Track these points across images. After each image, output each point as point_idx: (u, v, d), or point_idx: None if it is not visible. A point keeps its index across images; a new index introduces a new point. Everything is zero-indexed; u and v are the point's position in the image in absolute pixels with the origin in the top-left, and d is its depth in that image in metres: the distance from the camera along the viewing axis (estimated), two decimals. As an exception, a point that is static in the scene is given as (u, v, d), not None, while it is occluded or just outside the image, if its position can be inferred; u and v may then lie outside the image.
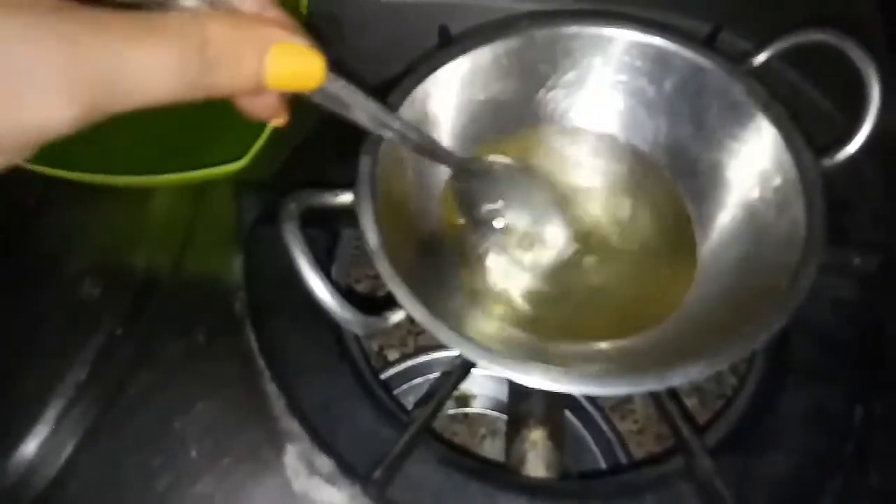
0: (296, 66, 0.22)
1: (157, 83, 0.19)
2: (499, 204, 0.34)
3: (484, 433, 0.46)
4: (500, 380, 0.45)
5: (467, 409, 0.46)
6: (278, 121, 0.26)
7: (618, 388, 0.26)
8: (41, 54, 0.17)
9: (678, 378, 0.25)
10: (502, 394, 0.45)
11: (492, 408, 0.46)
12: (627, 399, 0.46)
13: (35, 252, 0.39)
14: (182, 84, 0.19)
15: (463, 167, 0.33)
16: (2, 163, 0.19)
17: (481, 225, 0.34)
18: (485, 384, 0.46)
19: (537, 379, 0.26)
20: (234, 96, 0.23)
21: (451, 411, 0.46)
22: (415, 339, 0.48)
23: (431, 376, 0.46)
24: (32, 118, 0.18)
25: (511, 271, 0.34)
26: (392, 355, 0.47)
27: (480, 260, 0.34)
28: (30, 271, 0.37)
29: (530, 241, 0.34)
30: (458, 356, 0.35)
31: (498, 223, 0.34)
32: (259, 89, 0.21)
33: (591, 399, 0.43)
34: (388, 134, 0.28)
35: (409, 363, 0.46)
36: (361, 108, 0.27)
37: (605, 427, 0.43)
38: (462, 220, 0.35)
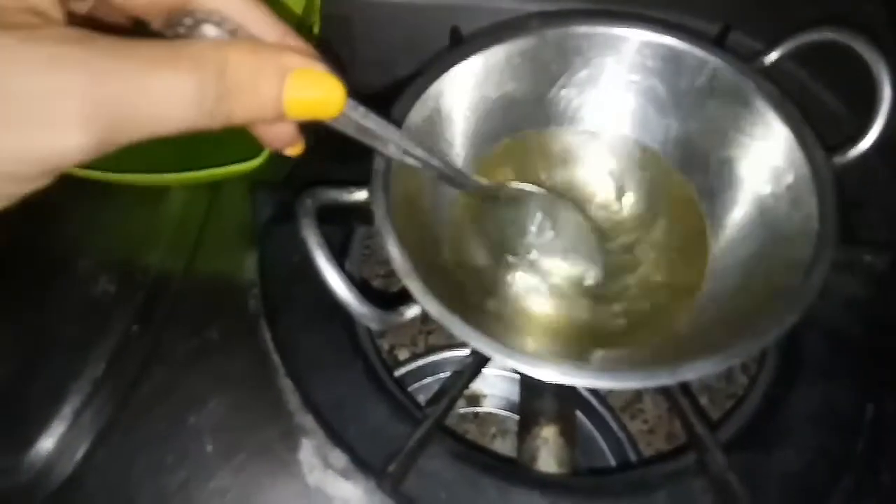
0: (315, 93, 0.21)
1: (174, 111, 0.19)
2: (527, 230, 0.34)
3: (494, 432, 0.46)
4: (511, 379, 0.45)
5: (478, 409, 0.47)
6: (294, 150, 0.26)
7: (631, 381, 0.26)
8: (63, 84, 0.17)
9: (691, 373, 0.25)
10: (513, 393, 0.45)
11: (503, 407, 0.46)
12: (637, 399, 0.46)
13: (51, 250, 0.39)
14: (200, 112, 0.19)
15: (488, 194, 0.34)
16: (15, 192, 0.19)
17: (506, 248, 0.34)
18: (496, 384, 0.46)
19: (550, 373, 0.26)
20: (251, 124, 0.23)
21: (462, 410, 0.46)
22: (425, 338, 0.49)
23: (442, 375, 0.46)
24: (48, 147, 0.18)
25: (530, 284, 0.34)
26: (402, 354, 0.47)
27: (500, 273, 0.35)
28: (46, 269, 0.38)
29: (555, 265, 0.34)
30: (469, 355, 0.36)
31: (524, 248, 0.34)
32: (278, 117, 0.21)
33: (602, 399, 0.44)
34: (409, 161, 0.28)
35: (420, 362, 0.46)
36: (383, 136, 0.26)
37: (615, 426, 0.43)
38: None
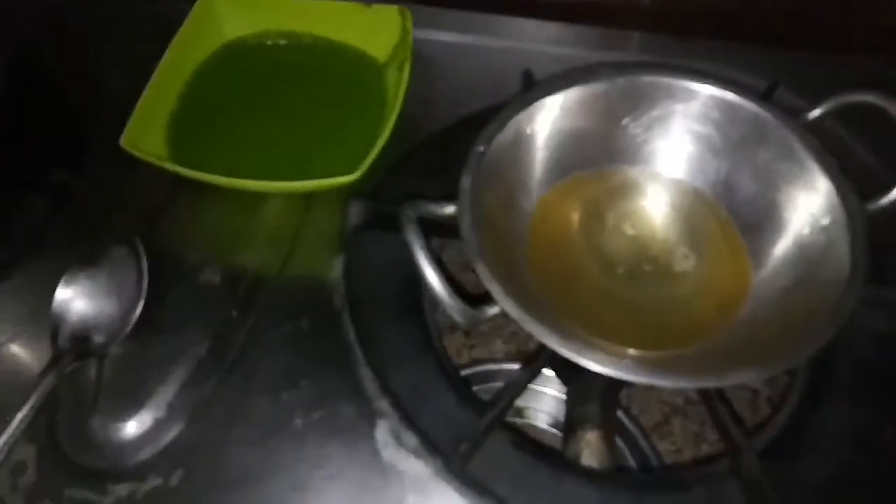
0: None
1: None
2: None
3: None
4: (554, 398, 0.48)
5: (522, 420, 0.50)
6: None
7: (683, 381, 0.30)
8: None
9: (736, 378, 0.29)
10: (554, 409, 0.48)
11: (545, 422, 0.49)
12: (666, 421, 0.49)
13: (162, 242, 0.44)
14: None
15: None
16: None
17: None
18: (540, 399, 0.48)
19: (609, 368, 0.30)
20: None
21: (509, 420, 0.49)
22: (469, 351, 0.52)
23: (485, 386, 0.49)
24: None
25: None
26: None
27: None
28: (157, 258, 0.42)
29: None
30: (518, 369, 0.40)
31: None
32: None
33: (633, 417, 0.47)
34: None
35: (468, 371, 0.48)
36: None
37: (644, 445, 0.45)
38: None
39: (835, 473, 0.35)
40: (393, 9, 0.50)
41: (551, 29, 0.56)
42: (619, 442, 0.47)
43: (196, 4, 0.51)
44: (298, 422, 0.37)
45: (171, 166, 0.43)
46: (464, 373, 0.49)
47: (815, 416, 0.37)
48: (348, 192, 0.44)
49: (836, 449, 0.36)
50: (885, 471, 0.35)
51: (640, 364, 0.29)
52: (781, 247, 0.37)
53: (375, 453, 0.36)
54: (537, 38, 0.55)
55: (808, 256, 0.35)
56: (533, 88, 0.40)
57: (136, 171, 0.44)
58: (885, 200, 0.36)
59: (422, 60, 0.50)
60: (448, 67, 0.53)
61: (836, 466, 0.35)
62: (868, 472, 0.35)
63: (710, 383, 0.29)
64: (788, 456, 0.36)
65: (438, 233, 0.44)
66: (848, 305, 0.32)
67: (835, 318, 0.31)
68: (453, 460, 0.35)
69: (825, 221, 0.35)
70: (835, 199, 0.35)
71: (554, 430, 0.47)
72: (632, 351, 0.35)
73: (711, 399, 0.35)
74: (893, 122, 0.37)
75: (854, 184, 0.36)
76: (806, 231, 0.36)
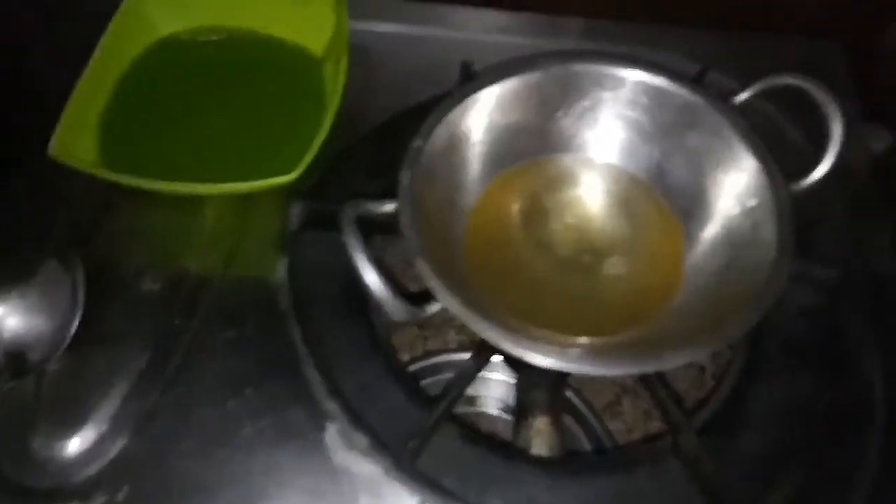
0: None
1: None
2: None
3: (491, 431, 0.49)
4: (505, 383, 0.48)
5: (475, 409, 0.49)
6: None
7: (621, 368, 0.31)
8: None
9: (673, 360, 0.30)
10: (507, 396, 0.48)
11: (498, 409, 0.49)
12: (617, 401, 0.50)
13: (99, 251, 0.42)
14: None
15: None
16: None
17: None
18: (491, 387, 0.49)
19: (556, 361, 0.30)
20: None
21: (461, 410, 0.49)
22: (424, 343, 0.52)
23: (439, 377, 0.49)
24: None
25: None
26: (402, 357, 0.50)
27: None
28: (95, 267, 0.41)
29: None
30: (469, 358, 0.40)
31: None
32: None
33: (585, 400, 0.48)
34: None
35: (419, 365, 0.49)
36: None
37: (596, 426, 0.46)
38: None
39: (770, 446, 0.37)
40: (328, 0, 0.49)
41: (491, 17, 0.56)
42: (574, 424, 0.48)
43: (125, 1, 0.49)
44: (247, 430, 0.37)
45: (103, 173, 0.42)
46: (417, 366, 0.49)
47: (750, 390, 0.38)
48: (290, 192, 0.43)
49: (770, 422, 0.37)
50: (818, 441, 0.37)
51: (577, 354, 0.30)
52: (712, 229, 0.38)
53: (326, 457, 0.36)
54: (478, 27, 0.55)
55: (737, 238, 0.37)
56: (469, 81, 0.40)
57: (69, 178, 0.42)
58: (809, 180, 0.37)
59: (361, 53, 0.49)
60: (389, 59, 0.52)
61: (771, 439, 0.37)
62: (800, 443, 0.37)
63: (645, 368, 0.30)
64: (727, 431, 0.37)
65: (382, 230, 0.44)
66: (776, 286, 0.33)
67: (763, 299, 0.32)
68: (402, 458, 0.35)
69: (752, 203, 0.36)
70: (761, 180, 0.36)
71: (507, 417, 0.48)
72: (573, 339, 0.36)
73: (651, 381, 0.36)
74: (817, 103, 0.38)
75: (784, 164, 0.37)
76: (735, 213, 0.37)
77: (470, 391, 0.48)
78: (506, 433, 0.45)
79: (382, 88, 0.51)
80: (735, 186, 0.37)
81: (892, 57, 0.52)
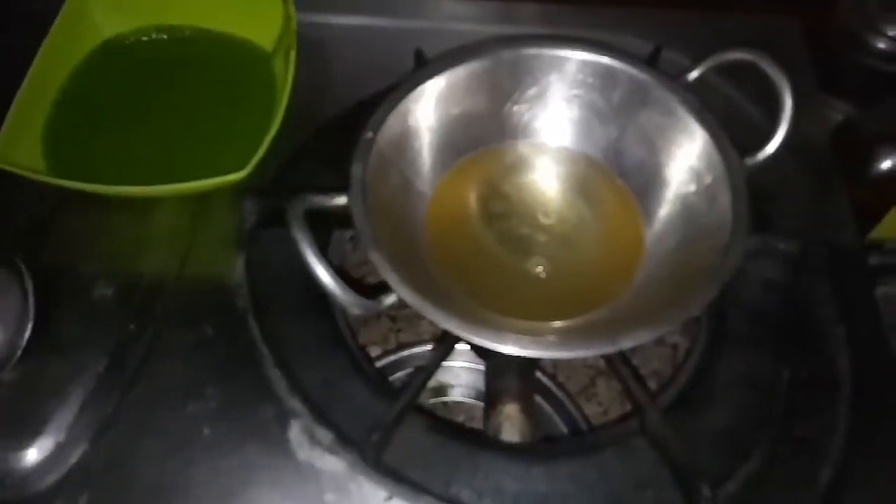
0: None
1: None
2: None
3: (463, 420, 0.49)
4: (475, 371, 0.48)
5: (446, 399, 0.50)
6: None
7: (576, 351, 0.30)
8: None
9: (628, 341, 0.30)
10: (478, 383, 0.48)
11: (469, 396, 0.49)
12: (592, 384, 0.50)
13: (49, 258, 0.41)
14: None
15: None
16: None
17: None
18: (461, 375, 0.50)
19: (511, 347, 0.30)
20: None
21: (432, 401, 0.49)
22: (396, 335, 0.52)
23: (412, 370, 0.49)
24: None
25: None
26: (374, 351, 0.49)
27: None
28: (46, 274, 0.40)
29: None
30: (438, 342, 0.40)
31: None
32: None
33: (559, 384, 0.48)
34: None
35: (391, 358, 0.48)
36: None
37: (571, 409, 0.46)
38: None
39: (737, 420, 0.37)
40: (276, -7, 0.48)
41: (446, 6, 0.55)
42: (549, 409, 0.48)
43: (67, 1, 0.48)
44: (207, 432, 0.36)
45: (49, 179, 0.41)
46: (389, 359, 0.49)
47: (716, 366, 0.38)
48: (245, 190, 0.42)
49: (735, 396, 0.37)
50: (781, 413, 0.37)
51: (531, 339, 0.30)
52: (669, 207, 0.38)
53: (290, 454, 0.36)
54: (432, 16, 0.55)
55: (693, 214, 0.37)
56: (420, 69, 0.39)
57: (17, 184, 0.41)
58: (763, 154, 0.37)
59: (311, 45, 0.48)
60: (341, 51, 0.51)
61: (738, 413, 0.37)
62: (766, 415, 0.37)
63: (601, 350, 0.30)
64: (693, 408, 0.37)
65: (340, 225, 0.44)
66: (732, 260, 0.33)
67: (720, 274, 0.32)
68: (366, 452, 0.35)
69: (707, 179, 0.36)
70: (715, 155, 0.36)
71: (479, 403, 0.48)
72: (536, 325, 0.36)
73: (614, 362, 0.36)
74: (768, 77, 0.38)
75: (743, 139, 0.37)
76: (691, 189, 0.37)
77: (442, 380, 0.48)
78: (479, 422, 0.45)
79: (339, 80, 0.50)
80: (689, 163, 0.37)
81: (843, 29, 0.52)
